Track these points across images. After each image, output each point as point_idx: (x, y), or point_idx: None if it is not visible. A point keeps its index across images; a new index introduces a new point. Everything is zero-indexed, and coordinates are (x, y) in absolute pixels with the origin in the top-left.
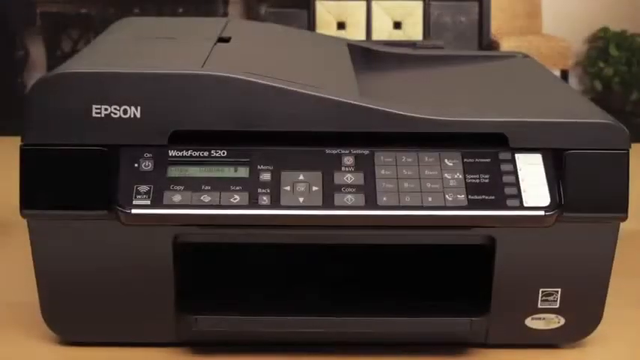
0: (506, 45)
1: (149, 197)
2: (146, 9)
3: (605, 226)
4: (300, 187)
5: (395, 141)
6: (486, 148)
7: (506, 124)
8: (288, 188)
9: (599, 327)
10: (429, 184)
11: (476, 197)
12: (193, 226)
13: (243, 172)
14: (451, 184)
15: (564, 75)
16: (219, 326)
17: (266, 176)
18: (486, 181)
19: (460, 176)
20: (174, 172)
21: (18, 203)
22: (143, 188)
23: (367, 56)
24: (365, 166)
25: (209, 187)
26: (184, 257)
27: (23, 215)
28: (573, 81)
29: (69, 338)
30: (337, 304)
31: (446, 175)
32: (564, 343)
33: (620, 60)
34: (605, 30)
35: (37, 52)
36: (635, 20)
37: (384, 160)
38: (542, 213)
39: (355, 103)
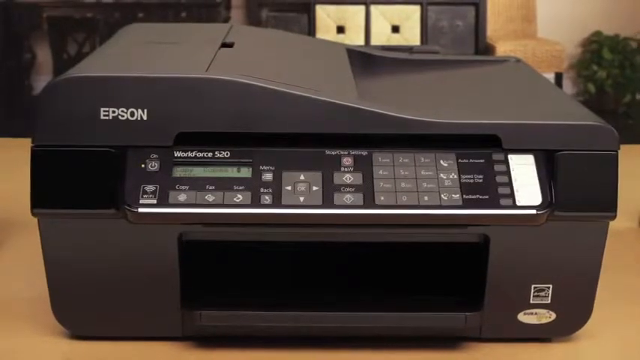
0: (502, 48)
1: (155, 197)
2: (150, 13)
3: (595, 224)
4: (301, 187)
5: (392, 142)
6: (480, 149)
7: (499, 126)
8: (289, 188)
9: (589, 321)
10: (425, 184)
11: (470, 197)
12: (198, 224)
13: (245, 172)
14: (446, 183)
15: (558, 78)
16: (223, 321)
17: (268, 176)
18: (480, 181)
19: (455, 176)
20: (179, 172)
21: (26, 202)
22: (149, 188)
23: (365, 61)
24: (363, 166)
25: (213, 187)
26: (189, 254)
27: (34, 214)
28: (567, 83)
29: (77, 332)
30: (337, 299)
31: (441, 175)
32: (555, 337)
33: (613, 63)
34: (598, 34)
35: (44, 55)
36: (627, 24)
37: (382, 161)
38: (534, 212)
39: (354, 106)
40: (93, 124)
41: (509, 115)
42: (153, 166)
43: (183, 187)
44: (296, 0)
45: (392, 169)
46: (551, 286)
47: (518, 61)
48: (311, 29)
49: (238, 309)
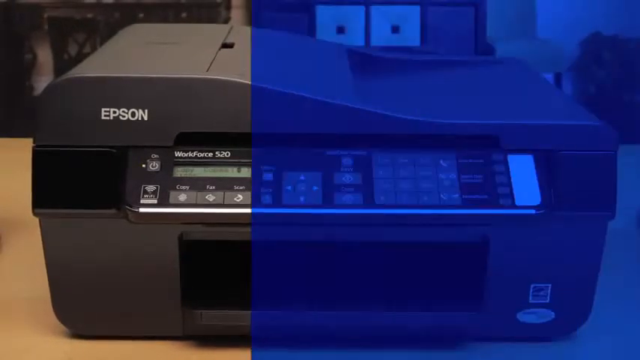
0: (502, 49)
1: (156, 196)
2: (150, 14)
3: (594, 224)
4: (301, 187)
5: (392, 143)
6: (480, 150)
7: (499, 127)
8: (289, 188)
9: (589, 321)
10: (424, 184)
11: (470, 197)
12: (198, 224)
13: (246, 172)
14: (446, 184)
15: (558, 78)
16: (224, 320)
17: (268, 176)
18: (480, 181)
19: (454, 176)
20: (180, 172)
21: (26, 202)
22: (150, 188)
23: (365, 61)
24: (363, 166)
25: (213, 187)
26: (190, 254)
27: (35, 214)
28: (567, 84)
29: (79, 331)
30: (338, 299)
31: (441, 175)
32: (555, 336)
33: (613, 63)
34: (598, 34)
35: (45, 55)
36: (627, 24)
37: (382, 161)
38: (533, 212)
39: (354, 106)
40: (94, 125)
41: (509, 116)
42: (154, 166)
43: (183, 187)
44: (296, 0)
45: (391, 170)
46: (550, 285)
47: (518, 61)
48: (310, 30)
49: (238, 308)
